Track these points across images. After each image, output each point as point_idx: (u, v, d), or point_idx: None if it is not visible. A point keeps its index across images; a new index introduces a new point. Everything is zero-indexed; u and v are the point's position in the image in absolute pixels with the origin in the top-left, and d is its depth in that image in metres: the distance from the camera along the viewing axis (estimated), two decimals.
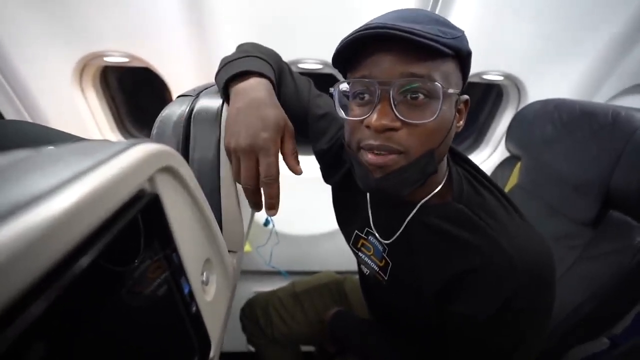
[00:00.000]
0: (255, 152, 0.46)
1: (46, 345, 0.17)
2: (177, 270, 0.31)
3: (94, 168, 0.20)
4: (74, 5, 0.90)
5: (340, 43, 0.44)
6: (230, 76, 0.52)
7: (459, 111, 0.48)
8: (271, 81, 0.53)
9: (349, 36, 0.42)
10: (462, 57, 0.44)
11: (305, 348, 1.14)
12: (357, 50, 0.44)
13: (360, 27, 0.42)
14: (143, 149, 0.25)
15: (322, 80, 0.81)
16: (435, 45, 0.39)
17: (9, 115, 1.02)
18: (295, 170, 0.53)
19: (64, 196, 0.17)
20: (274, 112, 0.49)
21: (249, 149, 0.46)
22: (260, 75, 0.52)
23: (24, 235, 0.15)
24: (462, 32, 0.45)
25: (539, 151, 0.90)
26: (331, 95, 0.51)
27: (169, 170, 0.30)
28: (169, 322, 0.30)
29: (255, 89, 0.50)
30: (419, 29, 0.39)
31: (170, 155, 0.29)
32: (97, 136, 1.16)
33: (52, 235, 0.16)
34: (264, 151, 0.46)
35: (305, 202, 1.31)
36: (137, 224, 0.25)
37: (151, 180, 0.27)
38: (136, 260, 0.26)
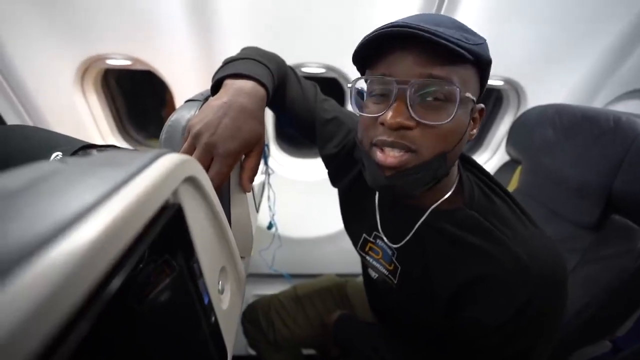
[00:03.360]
0: (212, 154, 0.45)
1: None
2: (198, 280, 0.30)
3: (126, 182, 0.20)
4: (76, 7, 0.89)
5: (363, 40, 0.44)
6: (227, 74, 0.51)
7: (473, 119, 0.49)
8: (267, 90, 0.52)
9: (372, 33, 0.42)
10: (482, 64, 0.44)
11: (307, 351, 1.14)
12: (377, 48, 0.44)
13: (385, 25, 0.42)
14: (169, 160, 0.25)
15: (325, 85, 0.81)
16: (457, 49, 0.39)
17: (11, 118, 1.01)
18: (245, 186, 0.51)
19: (102, 215, 0.17)
20: (253, 126, 0.48)
21: (207, 147, 0.45)
22: (259, 82, 0.51)
23: (71, 258, 0.14)
24: (484, 40, 0.45)
25: (539, 155, 0.91)
26: (337, 97, 0.51)
27: (190, 180, 0.30)
28: (190, 333, 0.30)
29: (248, 94, 0.49)
30: (442, 31, 0.39)
31: (192, 165, 0.29)
32: (98, 139, 1.15)
33: (96, 254, 0.16)
34: (221, 159, 0.45)
35: (308, 205, 1.31)
36: (161, 235, 0.25)
37: (174, 190, 0.27)
38: (158, 272, 0.26)
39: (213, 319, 0.33)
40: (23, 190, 0.18)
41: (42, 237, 0.14)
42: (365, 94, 0.48)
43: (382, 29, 0.41)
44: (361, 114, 0.48)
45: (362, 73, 0.50)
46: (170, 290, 0.27)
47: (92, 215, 0.16)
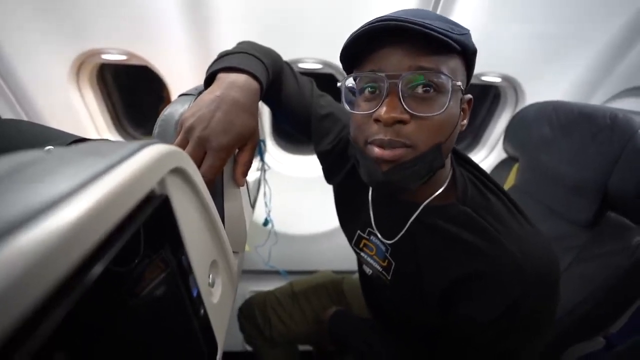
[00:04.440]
0: (205, 148, 0.45)
1: (61, 352, 0.17)
2: (186, 273, 0.30)
3: (107, 171, 0.20)
4: (71, 1, 0.88)
5: (350, 36, 0.43)
6: (221, 67, 0.50)
7: (462, 110, 0.49)
8: (261, 85, 0.52)
9: (359, 29, 0.42)
10: (468, 54, 0.45)
11: (303, 347, 1.14)
12: (365, 45, 0.44)
13: (371, 21, 0.42)
14: (155, 150, 0.25)
15: (322, 80, 0.81)
16: (446, 39, 0.39)
17: (5, 114, 1.00)
18: (238, 181, 0.51)
19: (79, 201, 0.17)
20: (246, 120, 0.48)
21: (200, 141, 0.44)
22: (253, 76, 0.51)
23: (43, 242, 0.14)
24: (468, 30, 0.45)
25: (536, 153, 0.91)
26: (339, 88, 0.50)
27: (178, 171, 0.30)
28: (178, 326, 0.30)
29: (241, 87, 0.49)
30: (429, 23, 0.39)
31: (180, 156, 0.29)
32: (94, 135, 1.14)
33: (70, 241, 0.16)
34: (214, 152, 0.45)
35: (304, 202, 1.31)
36: (147, 226, 0.25)
37: (161, 181, 0.27)
38: (145, 264, 0.25)
39: (202, 312, 0.33)
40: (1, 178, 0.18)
41: (9, 224, 0.14)
42: (356, 92, 0.48)
43: (371, 23, 0.41)
44: (353, 112, 0.48)
45: (350, 72, 0.50)
46: (157, 282, 0.27)
47: (67, 202, 0.16)
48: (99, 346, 0.21)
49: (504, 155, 1.14)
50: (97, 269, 0.18)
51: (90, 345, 0.20)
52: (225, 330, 0.41)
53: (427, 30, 0.38)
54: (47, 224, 0.15)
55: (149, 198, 0.25)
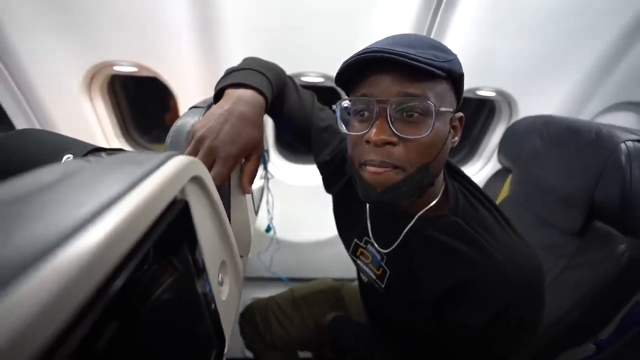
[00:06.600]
0: (214, 157, 0.49)
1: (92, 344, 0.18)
2: (201, 271, 0.34)
3: (144, 178, 0.24)
4: (86, 15, 0.93)
5: (342, 65, 0.48)
6: (228, 84, 0.55)
7: (453, 127, 0.52)
8: (266, 99, 0.56)
9: (350, 59, 0.46)
10: (455, 78, 0.48)
11: (303, 354, 1.15)
12: (357, 71, 0.48)
13: (360, 51, 0.46)
14: (179, 161, 0.29)
15: (324, 93, 0.85)
16: (428, 67, 0.43)
17: (20, 123, 1.05)
18: (245, 188, 0.55)
19: (124, 206, 0.20)
20: (252, 132, 0.51)
21: (210, 151, 0.48)
22: (258, 91, 0.55)
23: (96, 246, 0.17)
24: (455, 55, 0.49)
25: (529, 164, 0.95)
26: (334, 111, 0.55)
27: (195, 179, 0.34)
28: (192, 319, 0.33)
29: (247, 102, 0.52)
30: (413, 53, 0.43)
31: (198, 165, 0.33)
32: (103, 143, 1.18)
33: (121, 237, 0.19)
34: (222, 161, 0.48)
35: (306, 210, 1.34)
36: (170, 227, 0.28)
37: (182, 188, 0.31)
38: (166, 262, 0.29)
39: (213, 306, 0.36)
40: (56, 183, 0.22)
41: (81, 221, 0.17)
42: (350, 114, 0.52)
43: (359, 54, 0.45)
44: (347, 133, 0.52)
45: (347, 93, 0.54)
46: (175, 278, 0.30)
47: (117, 205, 0.20)
48: (125, 337, 0.23)
49: (499, 166, 1.18)
50: (130, 267, 0.21)
51: (118, 333, 0.22)
52: (231, 328, 0.44)
53: (409, 61, 0.42)
54: (102, 224, 0.18)
55: (173, 203, 0.29)
